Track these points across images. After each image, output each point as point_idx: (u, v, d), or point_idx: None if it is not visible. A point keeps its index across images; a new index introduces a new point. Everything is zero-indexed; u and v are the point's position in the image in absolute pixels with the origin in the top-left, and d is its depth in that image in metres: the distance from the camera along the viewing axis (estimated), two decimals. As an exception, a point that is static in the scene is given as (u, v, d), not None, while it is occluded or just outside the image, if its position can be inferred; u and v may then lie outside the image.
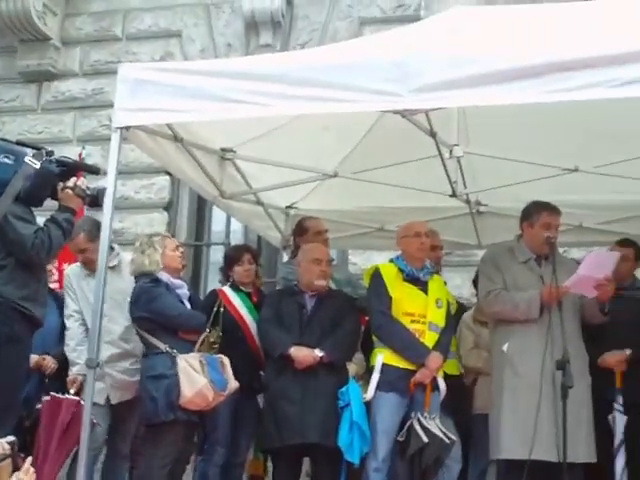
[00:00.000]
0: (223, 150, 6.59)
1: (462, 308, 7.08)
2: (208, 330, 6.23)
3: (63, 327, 6.59)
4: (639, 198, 7.29)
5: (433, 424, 5.79)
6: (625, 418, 6.13)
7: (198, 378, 5.79)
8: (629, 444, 6.10)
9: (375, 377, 5.89)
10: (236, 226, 10.67)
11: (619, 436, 6.10)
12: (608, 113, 5.84)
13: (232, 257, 6.88)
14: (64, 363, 6.53)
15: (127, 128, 5.22)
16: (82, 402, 5.80)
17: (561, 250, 6.71)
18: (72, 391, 6.23)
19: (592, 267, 5.68)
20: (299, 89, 4.82)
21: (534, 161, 6.57)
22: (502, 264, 6.10)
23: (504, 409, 5.80)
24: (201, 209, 11.10)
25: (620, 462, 6.07)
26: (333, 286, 6.58)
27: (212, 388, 5.82)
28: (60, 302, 6.67)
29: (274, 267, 9.13)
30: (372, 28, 10.23)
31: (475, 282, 6.99)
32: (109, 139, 5.31)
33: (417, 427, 5.74)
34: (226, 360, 5.98)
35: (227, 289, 6.72)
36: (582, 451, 5.64)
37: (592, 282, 5.69)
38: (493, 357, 6.10)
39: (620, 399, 6.19)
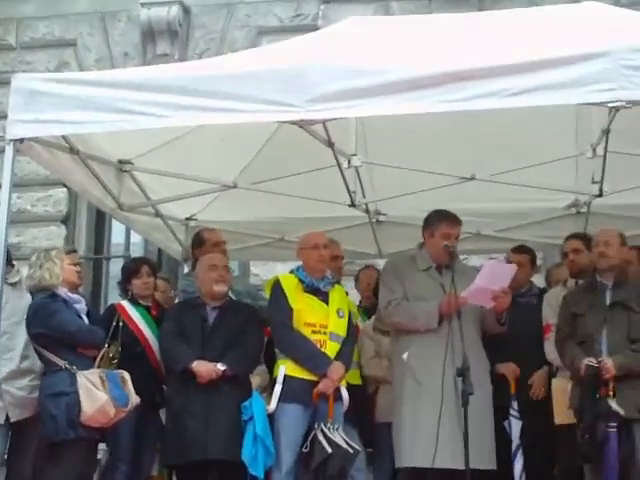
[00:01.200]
0: (120, 162, 6.52)
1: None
2: (107, 345, 6.16)
3: None
4: (534, 205, 7.49)
5: (337, 434, 5.78)
6: (520, 423, 6.24)
7: (99, 394, 5.69)
8: (526, 448, 6.21)
9: (277, 389, 5.86)
10: (136, 239, 10.58)
11: (516, 441, 6.22)
12: (503, 123, 5.97)
13: (130, 270, 6.77)
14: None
15: (21, 140, 5.13)
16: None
17: (461, 257, 6.78)
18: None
19: (489, 278, 5.73)
20: (196, 100, 4.80)
21: (432, 170, 6.64)
22: (403, 273, 6.12)
23: (406, 417, 5.82)
24: (100, 222, 10.98)
25: (518, 466, 6.20)
26: (234, 297, 6.53)
27: (113, 404, 5.72)
28: None
29: (175, 280, 9.05)
30: (270, 37, 10.27)
31: (375, 291, 7.03)
32: (4, 151, 5.21)
33: (321, 438, 5.72)
34: (127, 375, 5.89)
35: (126, 303, 6.62)
36: (484, 458, 5.69)
37: (489, 293, 5.75)
38: (394, 366, 6.13)
39: (515, 405, 6.31)
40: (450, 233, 6.01)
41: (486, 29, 5.48)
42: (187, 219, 7.89)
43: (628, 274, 6.17)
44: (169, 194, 7.25)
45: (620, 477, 5.60)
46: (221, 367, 5.92)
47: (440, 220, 6.06)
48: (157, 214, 7.46)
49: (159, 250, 9.84)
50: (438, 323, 5.80)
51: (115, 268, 10.45)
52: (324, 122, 5.27)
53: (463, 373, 5.16)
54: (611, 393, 5.61)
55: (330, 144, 5.83)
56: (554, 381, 6.36)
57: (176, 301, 7.20)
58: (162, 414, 6.38)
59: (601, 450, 5.59)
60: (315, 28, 9.35)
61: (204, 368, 5.90)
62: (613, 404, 5.59)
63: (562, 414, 6.08)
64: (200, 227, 7.56)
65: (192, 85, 4.82)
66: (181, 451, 5.89)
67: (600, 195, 6.73)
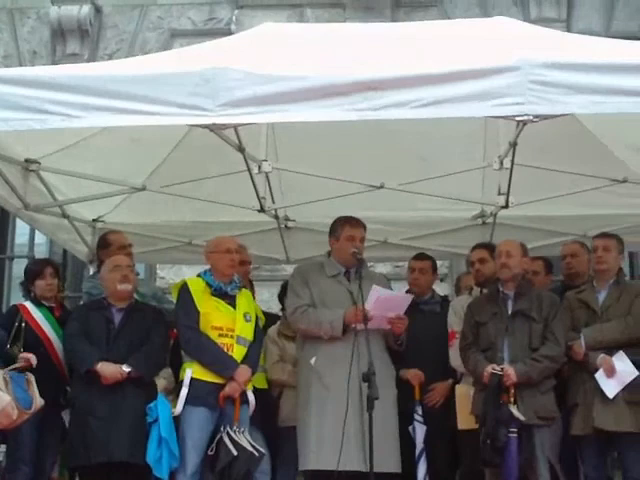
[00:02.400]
0: (27, 161, 6.41)
1: (272, 318, 7.11)
2: (9, 346, 6.06)
3: None
4: (441, 215, 7.61)
5: (242, 437, 5.79)
6: (424, 428, 6.32)
7: (2, 396, 5.59)
8: (429, 452, 6.29)
9: (184, 392, 5.84)
10: (40, 239, 10.44)
11: (420, 445, 6.31)
12: (413, 132, 6.05)
13: (33, 271, 6.68)
14: None
15: None
16: None
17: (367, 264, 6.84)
18: None
19: (382, 307, 5.83)
20: (106, 101, 4.72)
21: (342, 177, 6.67)
22: (311, 279, 6.18)
23: (312, 421, 5.88)
24: (4, 221, 10.80)
25: (422, 470, 6.28)
26: (139, 300, 6.49)
27: (16, 406, 5.63)
28: None
29: (80, 281, 8.95)
30: (182, 40, 10.23)
31: (280, 297, 7.07)
32: None
33: (226, 440, 5.73)
34: (32, 377, 5.80)
35: (28, 304, 6.52)
36: (388, 461, 5.78)
37: (385, 319, 5.87)
38: (301, 370, 6.17)
39: (419, 410, 6.40)
40: (354, 235, 6.12)
41: (398, 40, 5.54)
42: (94, 220, 7.81)
43: (531, 284, 6.32)
44: (76, 195, 7.15)
45: (519, 480, 5.73)
46: (126, 369, 5.88)
47: (343, 224, 6.18)
48: (64, 215, 7.35)
49: (64, 251, 9.72)
50: (342, 332, 5.86)
51: (18, 268, 10.29)
52: (235, 127, 5.27)
53: (369, 378, 5.19)
54: (512, 399, 5.74)
55: (241, 149, 5.83)
56: (457, 387, 6.46)
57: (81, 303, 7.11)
58: (65, 415, 6.30)
59: (501, 454, 5.70)
60: (229, 33, 9.34)
61: (108, 370, 5.85)
62: (514, 410, 5.72)
63: (465, 419, 6.17)
64: (107, 229, 7.49)
65: (103, 86, 4.75)
66: (84, 453, 5.83)
67: (506, 206, 6.83)
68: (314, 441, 5.82)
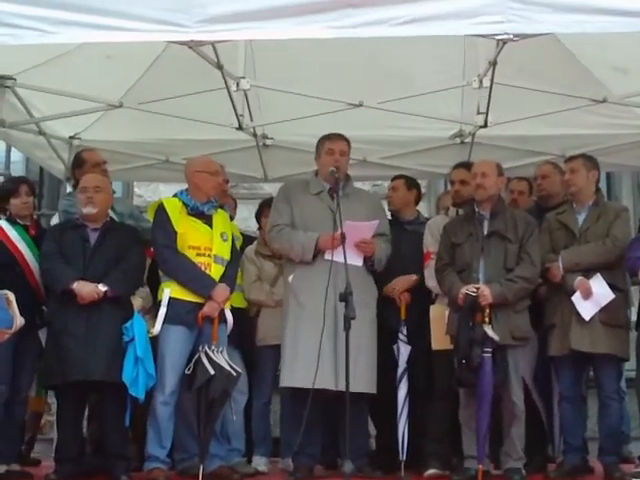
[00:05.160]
0: (2, 77, 6.36)
1: (248, 239, 7.12)
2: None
3: None
4: (420, 134, 7.61)
5: (220, 357, 5.81)
6: (409, 348, 6.36)
7: (-20, 317, 5.58)
8: (411, 372, 6.35)
9: (162, 311, 5.85)
10: (17, 157, 10.35)
11: (402, 365, 6.33)
12: (393, 50, 6.03)
13: (8, 189, 6.55)
14: None
15: None
16: None
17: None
18: None
19: (352, 237, 5.83)
20: (84, 17, 4.63)
21: (321, 95, 6.65)
22: (294, 196, 6.19)
23: (287, 338, 5.95)
24: (-21, 139, 10.67)
25: (403, 389, 6.30)
26: (116, 219, 6.46)
27: (-4, 326, 5.63)
28: None
29: (57, 199, 8.89)
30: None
31: (257, 216, 7.07)
32: None
33: (204, 360, 5.74)
34: (12, 296, 5.70)
35: (3, 223, 6.41)
36: (361, 381, 5.81)
37: (354, 250, 5.88)
38: (284, 288, 6.23)
39: (404, 329, 6.41)
40: (332, 148, 6.13)
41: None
42: (71, 138, 7.76)
43: (507, 205, 6.33)
44: (53, 112, 7.11)
45: (493, 400, 5.79)
46: (102, 288, 5.86)
47: (323, 140, 6.20)
48: (40, 132, 7.32)
49: (41, 169, 9.66)
50: (313, 257, 5.90)
51: (-6, 187, 10.23)
52: (213, 44, 5.21)
53: (346, 298, 5.19)
54: (487, 320, 5.78)
55: (219, 66, 5.78)
56: (432, 308, 6.43)
57: (56, 221, 7.06)
58: (42, 335, 6.30)
59: (476, 374, 5.75)
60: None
61: (85, 289, 5.83)
62: (488, 330, 5.76)
63: (439, 340, 6.18)
64: (84, 146, 7.44)
65: (80, 1, 4.67)
66: (60, 371, 5.83)
67: (485, 126, 6.82)
68: (288, 359, 5.90)
